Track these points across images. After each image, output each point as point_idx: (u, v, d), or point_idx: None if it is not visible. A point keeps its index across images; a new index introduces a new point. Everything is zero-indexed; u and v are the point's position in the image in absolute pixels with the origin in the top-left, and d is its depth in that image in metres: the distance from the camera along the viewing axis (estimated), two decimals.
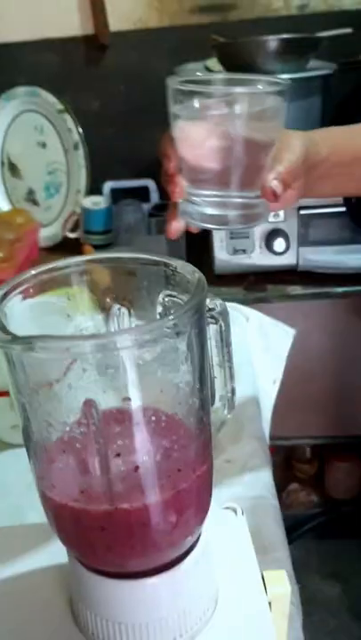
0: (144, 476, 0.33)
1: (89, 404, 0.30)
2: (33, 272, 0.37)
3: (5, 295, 0.35)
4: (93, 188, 1.46)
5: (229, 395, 0.42)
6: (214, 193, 0.52)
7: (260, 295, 1.19)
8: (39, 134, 1.46)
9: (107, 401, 0.32)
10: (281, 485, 1.64)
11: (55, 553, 0.46)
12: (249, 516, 0.49)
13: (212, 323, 0.38)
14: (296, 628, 0.52)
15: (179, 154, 0.51)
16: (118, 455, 0.32)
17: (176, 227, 0.54)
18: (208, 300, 0.36)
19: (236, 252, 1.15)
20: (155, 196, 1.46)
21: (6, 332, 0.30)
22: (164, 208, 1.46)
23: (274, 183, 0.51)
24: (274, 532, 0.62)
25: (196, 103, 0.50)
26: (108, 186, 1.47)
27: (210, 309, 0.37)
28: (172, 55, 1.38)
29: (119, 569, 0.38)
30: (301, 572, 0.61)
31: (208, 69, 1.29)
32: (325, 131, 0.60)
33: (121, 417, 0.32)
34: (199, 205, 0.52)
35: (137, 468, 0.32)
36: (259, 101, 0.50)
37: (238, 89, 0.50)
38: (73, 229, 1.46)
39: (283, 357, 1.03)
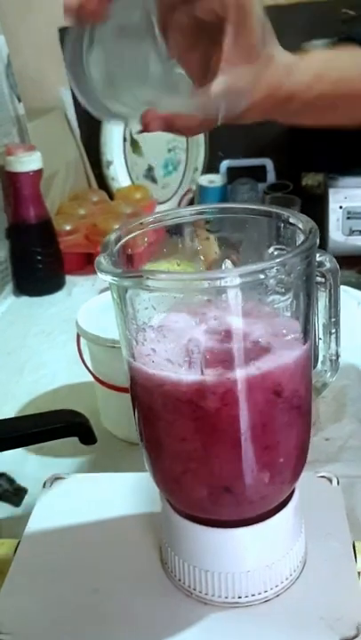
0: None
1: (193, 343, 0.31)
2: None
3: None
4: (211, 167, 1.46)
5: (333, 357, 0.41)
6: None
7: None
8: None
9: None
10: None
11: (148, 501, 0.47)
12: (344, 493, 0.48)
13: (320, 279, 0.37)
14: None
15: None
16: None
17: None
18: (318, 255, 0.36)
19: (352, 232, 1.11)
20: (271, 176, 1.44)
21: (117, 266, 0.31)
22: (280, 188, 1.44)
23: None
24: None
25: None
26: (225, 164, 1.47)
27: (319, 265, 0.36)
28: (302, 33, 1.35)
29: (208, 513, 0.38)
30: None
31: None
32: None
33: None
34: None
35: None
36: None
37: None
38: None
39: None
